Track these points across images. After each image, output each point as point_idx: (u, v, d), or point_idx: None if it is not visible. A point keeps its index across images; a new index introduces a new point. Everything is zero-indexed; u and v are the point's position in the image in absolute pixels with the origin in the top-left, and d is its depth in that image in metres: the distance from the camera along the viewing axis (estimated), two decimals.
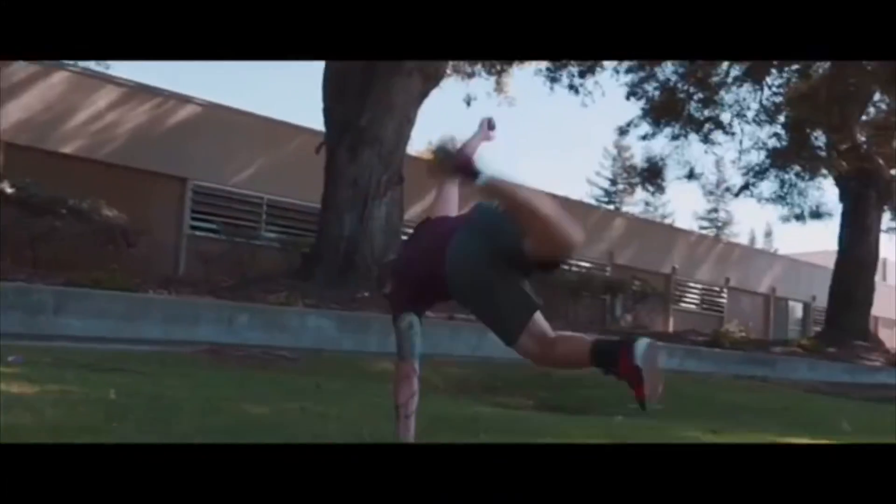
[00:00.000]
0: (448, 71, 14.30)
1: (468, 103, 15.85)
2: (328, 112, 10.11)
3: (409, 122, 9.77)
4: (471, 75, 15.70)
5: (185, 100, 12.42)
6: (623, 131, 17.65)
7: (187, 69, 43.78)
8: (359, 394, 4.97)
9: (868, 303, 17.62)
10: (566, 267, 15.74)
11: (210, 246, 11.66)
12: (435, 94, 10.43)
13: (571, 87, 15.02)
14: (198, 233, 12.14)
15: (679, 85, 15.54)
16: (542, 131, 71.89)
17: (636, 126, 16.88)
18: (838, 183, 16.99)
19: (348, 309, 8.69)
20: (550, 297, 14.21)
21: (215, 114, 12.59)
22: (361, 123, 9.51)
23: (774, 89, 15.27)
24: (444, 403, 4.82)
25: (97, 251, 9.28)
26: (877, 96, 15.09)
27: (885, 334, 22.80)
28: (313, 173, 10.38)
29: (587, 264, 16.82)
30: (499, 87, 15.96)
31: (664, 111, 15.69)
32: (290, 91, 58.55)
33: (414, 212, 13.49)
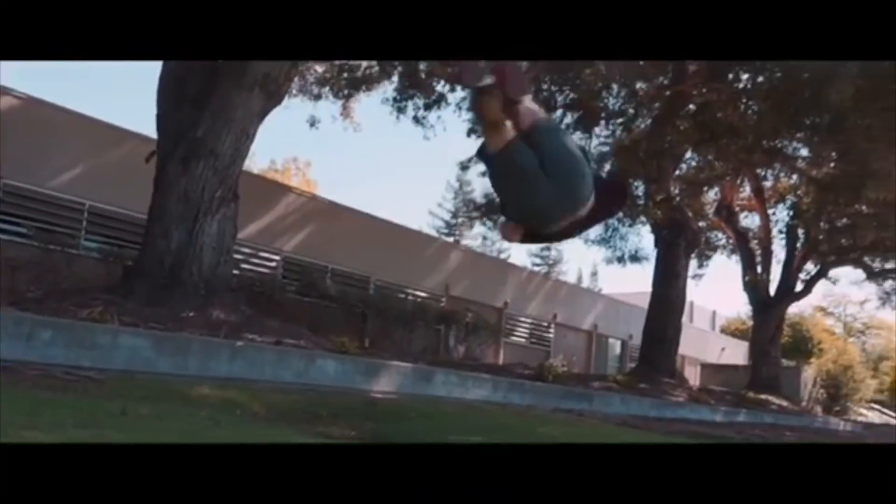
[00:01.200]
0: (294, 91, 14.10)
1: (312, 124, 15.70)
2: (162, 119, 9.56)
3: (247, 137, 9.46)
4: (318, 97, 15.59)
5: (0, 91, 11.31)
6: (464, 167, 18.21)
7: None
8: (170, 420, 4.67)
9: (676, 342, 19.18)
10: (402, 296, 15.86)
11: (18, 252, 10.59)
12: (279, 113, 10.19)
13: (416, 119, 15.31)
14: (3, 236, 11.00)
15: None
16: (387, 158, 72.44)
17: (477, 162, 17.45)
18: (653, 230, 18.48)
19: (169, 329, 8.19)
20: (385, 325, 14.26)
21: (35, 109, 11.55)
22: (197, 135, 9.09)
23: (602, 139, 16.45)
24: (258, 432, 4.63)
25: None
26: (689, 154, 16.65)
27: (689, 372, 24.93)
28: (142, 182, 9.76)
29: (423, 294, 17.03)
30: (345, 112, 15.96)
31: None
32: (121, 93, 55.06)
33: (249, 231, 13.08)
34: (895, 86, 10.50)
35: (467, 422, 7.96)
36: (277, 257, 13.98)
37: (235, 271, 11.85)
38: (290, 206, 14.60)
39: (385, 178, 68.91)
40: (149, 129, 11.37)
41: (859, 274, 24.21)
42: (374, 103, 18.54)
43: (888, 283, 24.06)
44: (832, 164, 15.37)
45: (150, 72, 28.33)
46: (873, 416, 28.79)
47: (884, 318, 46.99)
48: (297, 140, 73.78)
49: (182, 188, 9.08)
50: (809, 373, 26.88)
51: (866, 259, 22.51)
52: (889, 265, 23.11)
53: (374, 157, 68.41)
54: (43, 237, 10.87)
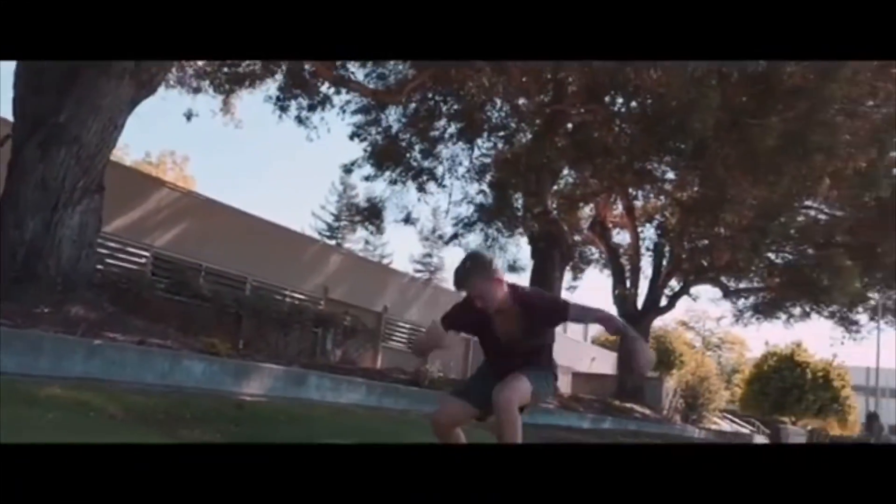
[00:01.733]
0: (172, 82, 13.55)
1: (189, 118, 15.10)
2: (19, 102, 8.90)
3: (115, 127, 8.97)
4: (197, 90, 15.04)
5: None
6: (348, 170, 18.11)
7: None
8: (9, 423, 4.36)
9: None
10: (279, 297, 15.54)
11: None
12: (157, 105, 9.75)
13: (299, 119, 15.08)
14: None
15: (401, 134, 16.44)
16: (270, 158, 70.91)
17: (360, 166, 17.43)
18: (530, 242, 19.07)
19: (20, 325, 7.64)
20: (260, 326, 13.90)
21: None
22: (59, 120, 8.53)
23: (484, 150, 16.84)
24: (112, 436, 4.41)
25: None
26: (566, 170, 17.33)
27: (561, 380, 25.80)
28: None
29: (301, 296, 16.76)
30: (226, 108, 15.47)
31: (386, 156, 16.43)
32: None
33: (116, 225, 12.43)
34: (749, 118, 11.40)
35: (337, 426, 7.89)
36: (147, 253, 13.33)
37: (99, 266, 11.21)
38: (164, 201, 13.98)
39: (267, 177, 67.42)
40: (4, 110, 10.62)
41: (717, 292, 25.97)
42: (256, 101, 17.94)
43: (741, 302, 25.89)
44: (695, 189, 16.44)
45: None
46: (725, 425, 30.88)
47: (737, 334, 50.75)
48: (175, 134, 70.91)
49: (40, 175, 8.49)
50: (671, 383, 28.50)
51: (722, 278, 24.16)
52: (742, 285, 24.93)
53: (256, 155, 66.84)
54: None
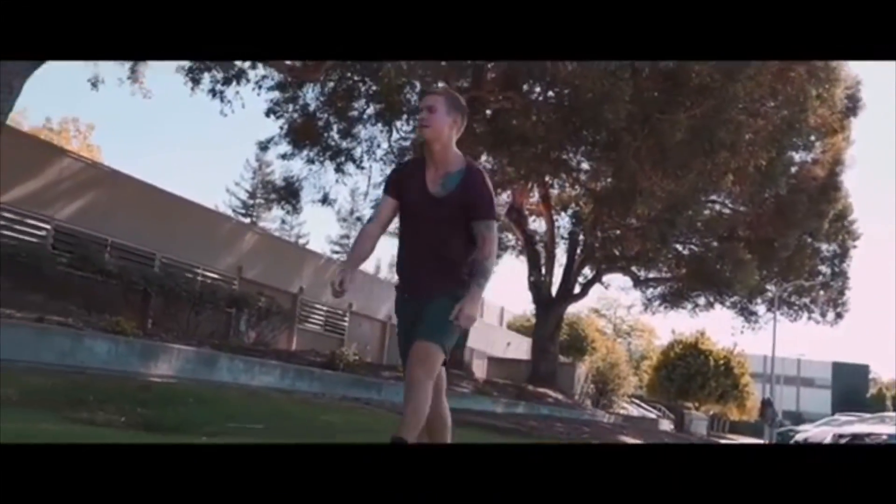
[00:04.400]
0: None
1: (94, 85, 14.33)
2: None
3: (10, 91, 8.50)
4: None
5: None
6: (263, 147, 17.73)
7: None
8: None
9: (465, 335, 20.08)
10: (190, 275, 15.13)
11: None
12: (55, 69, 9.27)
13: (213, 91, 14.64)
14: None
15: (318, 112, 16.21)
16: (183, 132, 68.66)
17: (276, 144, 17.10)
18: None
19: None
20: (170, 305, 13.51)
21: None
22: None
23: (403, 133, 16.82)
24: (12, 420, 4.24)
25: None
26: (484, 157, 17.51)
27: (477, 365, 26.19)
28: None
29: (214, 275, 16.37)
30: (133, 77, 14.78)
31: (303, 134, 16.18)
32: None
33: (13, 195, 11.81)
34: (659, 113, 11.83)
35: (248, 409, 7.81)
36: (48, 226, 12.71)
37: None
38: (66, 172, 13.33)
39: (178, 151, 65.17)
40: None
41: (627, 281, 26.84)
42: (167, 70, 16.92)
43: (650, 291, 26.85)
44: (608, 180, 16.91)
45: None
46: (633, 410, 32.06)
47: (646, 322, 52.66)
48: (79, 101, 67.54)
49: None
50: (583, 369, 29.33)
51: (633, 268, 24.99)
52: (651, 275, 25.86)
53: (168, 128, 64.51)
54: None
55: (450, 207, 3.14)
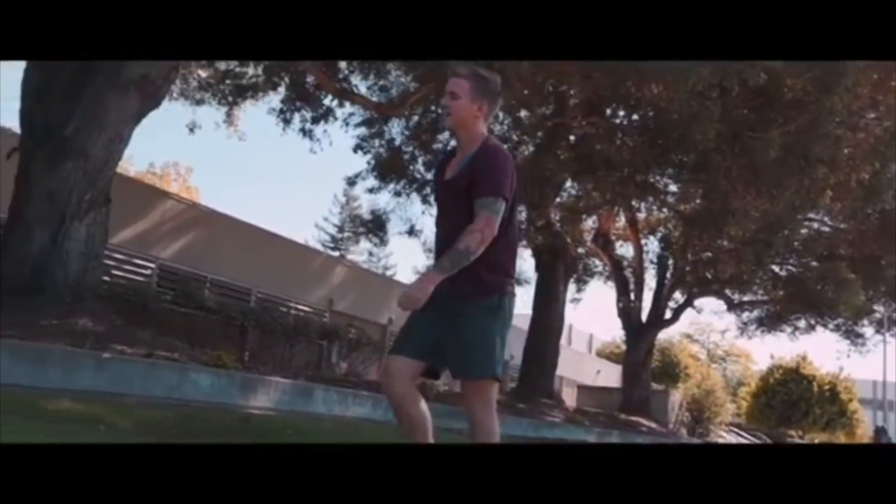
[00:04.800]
0: (175, 94, 13.68)
1: (192, 130, 15.25)
2: (26, 114, 8.99)
3: (121, 139, 9.07)
4: (200, 102, 15.18)
5: None
6: (351, 182, 18.21)
7: None
8: (20, 436, 4.40)
9: (554, 364, 19.83)
10: (284, 309, 15.59)
11: None
12: (157, 116, 9.84)
13: (303, 131, 15.18)
14: None
15: (404, 146, 16.54)
16: (273, 169, 71.17)
17: (363, 179, 17.53)
18: (534, 255, 19.10)
19: (28, 338, 7.70)
20: (266, 339, 13.94)
21: None
22: (66, 133, 8.63)
23: None
24: None
25: None
26: (569, 183, 17.40)
27: (567, 393, 25.77)
28: (2, 180, 9.18)
29: (306, 308, 16.81)
30: (229, 120, 15.59)
31: (389, 168, 16.52)
32: None
33: (122, 237, 12.52)
34: (750, 131, 11.46)
35: (345, 440, 7.92)
36: (153, 265, 13.42)
37: (106, 278, 11.29)
38: (168, 213, 14.08)
39: (270, 188, 67.64)
40: (9, 120, 10.73)
41: (721, 304, 25.92)
42: (259, 112, 18.01)
43: (745, 314, 25.83)
44: (697, 201, 16.47)
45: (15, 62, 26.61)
46: (731, 439, 30.73)
47: (742, 347, 50.59)
48: (178, 145, 71.31)
49: (47, 189, 8.59)
50: (676, 396, 28.38)
51: (727, 291, 24.13)
52: (746, 297, 24.89)
53: (260, 166, 67.05)
54: None
55: (458, 190, 2.78)
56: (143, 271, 13.24)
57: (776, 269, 21.37)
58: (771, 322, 24.86)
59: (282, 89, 14.85)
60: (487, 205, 2.64)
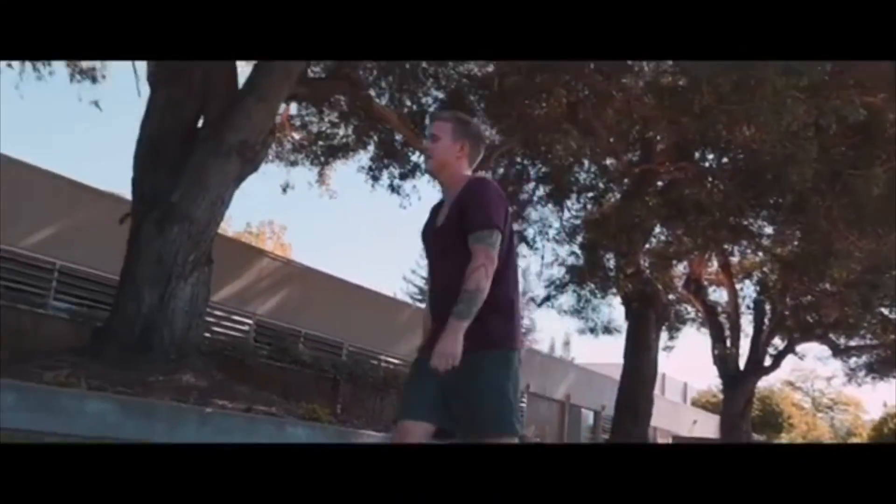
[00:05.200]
0: (271, 157, 14.33)
1: (285, 190, 15.93)
2: (137, 183, 9.65)
3: (223, 203, 9.56)
4: (293, 163, 15.85)
5: None
6: None
7: None
8: None
9: (648, 415, 19.18)
10: (374, 362, 15.78)
11: None
12: (253, 179, 10.34)
13: (391, 187, 15.57)
14: None
15: None
16: (363, 224, 72.89)
17: None
18: (624, 302, 18.72)
19: (137, 393, 8.08)
20: (357, 392, 14.13)
21: (8, 168, 11.57)
22: (172, 199, 9.17)
23: (574, 212, 16.83)
24: None
25: None
26: (658, 229, 17.07)
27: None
28: (114, 243, 9.77)
29: (396, 361, 16.96)
30: (321, 179, 16.19)
31: None
32: (96, 154, 55.16)
33: (223, 294, 13.05)
34: (850, 169, 11.01)
35: None
36: (250, 321, 13.91)
37: (207, 335, 11.76)
38: (264, 270, 14.61)
39: (360, 243, 69.29)
40: (122, 189, 11.47)
41: (825, 350, 24.59)
42: (349, 171, 18.64)
43: (853, 360, 24.39)
44: (796, 243, 15.85)
45: (127, 134, 28.63)
46: None
47: (851, 394, 47.59)
48: (273, 204, 74.25)
49: (156, 251, 9.10)
50: None
51: (831, 336, 22.90)
52: (853, 342, 23.52)
53: (350, 222, 68.90)
54: (12, 297, 10.73)
55: (449, 234, 2.65)
56: (241, 327, 13.73)
57: (885, 311, 20.16)
58: (882, 368, 23.38)
59: (371, 148, 15.35)
60: (482, 238, 2.51)
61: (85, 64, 13.01)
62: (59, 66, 12.74)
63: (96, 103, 13.24)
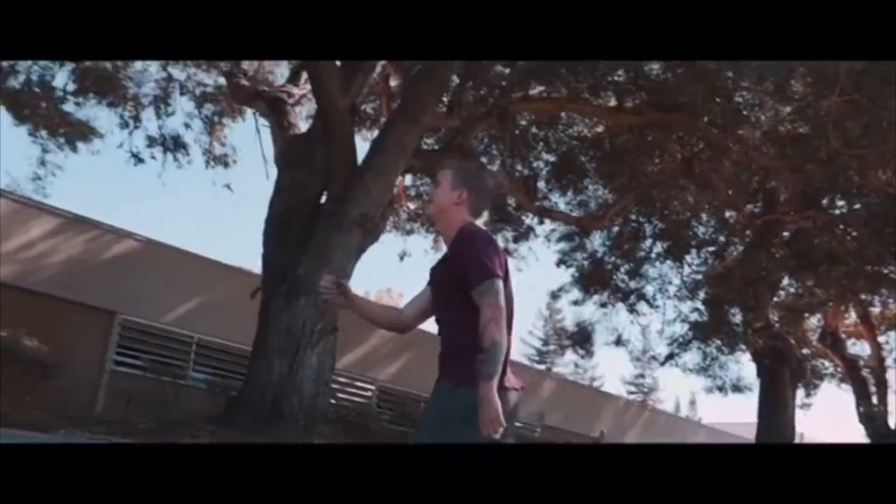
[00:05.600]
0: (388, 227, 14.83)
1: (402, 258, 16.35)
2: (267, 259, 10.27)
3: (345, 274, 9.96)
4: (409, 232, 16.30)
5: (124, 234, 12.41)
6: (555, 296, 18.29)
7: (126, 201, 44.06)
8: None
9: None
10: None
11: (133, 383, 11.25)
12: (371, 252, 10.76)
13: (506, 250, 15.68)
14: (122, 368, 11.72)
15: (606, 257, 16.46)
16: None
17: (567, 291, 17.55)
18: (755, 359, 17.74)
19: None
20: None
21: (153, 250, 12.57)
22: (299, 272, 9.66)
23: (694, 267, 16.30)
24: None
25: (13, 382, 8.86)
26: (786, 281, 16.22)
27: None
28: (247, 316, 10.34)
29: (518, 424, 16.74)
30: (437, 245, 16.52)
31: (593, 280, 16.44)
32: (229, 233, 58.82)
33: (346, 360, 13.44)
34: None
35: None
36: (372, 387, 14.22)
37: (332, 401, 12.11)
38: (385, 336, 14.93)
39: None
40: (253, 265, 12.20)
41: None
42: None
43: None
44: None
45: (256, 213, 30.54)
46: None
47: None
48: (391, 272, 76.15)
49: (285, 323, 9.56)
50: None
51: None
52: None
53: None
54: (156, 369, 11.51)
55: (441, 281, 2.71)
56: (364, 392, 14.05)
57: None
58: None
59: (485, 212, 15.51)
60: (482, 292, 2.48)
61: (218, 150, 14.08)
62: (196, 156, 13.87)
63: (228, 186, 14.28)
